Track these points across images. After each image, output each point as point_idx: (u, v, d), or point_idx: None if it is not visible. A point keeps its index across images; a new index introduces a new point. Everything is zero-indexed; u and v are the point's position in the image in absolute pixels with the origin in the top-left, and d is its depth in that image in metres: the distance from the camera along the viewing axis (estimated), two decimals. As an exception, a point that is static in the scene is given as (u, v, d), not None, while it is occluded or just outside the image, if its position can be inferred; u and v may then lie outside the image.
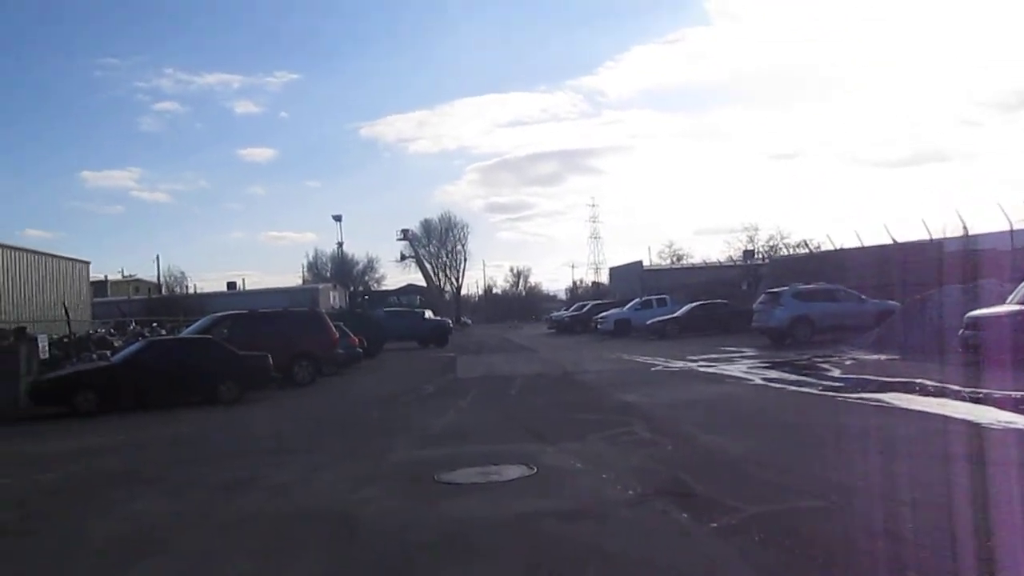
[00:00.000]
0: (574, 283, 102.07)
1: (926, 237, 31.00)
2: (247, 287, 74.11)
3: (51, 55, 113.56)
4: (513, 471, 8.34)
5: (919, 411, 11.10)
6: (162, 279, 73.30)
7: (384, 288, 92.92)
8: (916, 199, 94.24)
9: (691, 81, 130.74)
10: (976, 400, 11.60)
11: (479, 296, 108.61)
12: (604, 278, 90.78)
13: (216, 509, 7.47)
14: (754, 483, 7.29)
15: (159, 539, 6.54)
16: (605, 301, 53.89)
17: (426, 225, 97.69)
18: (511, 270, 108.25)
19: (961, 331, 17.20)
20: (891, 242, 32.27)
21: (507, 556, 5.50)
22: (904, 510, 6.05)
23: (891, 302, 25.46)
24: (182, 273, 77.70)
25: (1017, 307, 16.66)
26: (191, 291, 69.09)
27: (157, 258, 74.65)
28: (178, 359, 17.42)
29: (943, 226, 31.40)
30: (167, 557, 6.03)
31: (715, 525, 5.95)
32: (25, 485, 9.17)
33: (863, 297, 26.38)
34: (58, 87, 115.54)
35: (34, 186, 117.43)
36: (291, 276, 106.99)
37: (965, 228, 29.76)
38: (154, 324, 36.97)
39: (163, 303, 54.85)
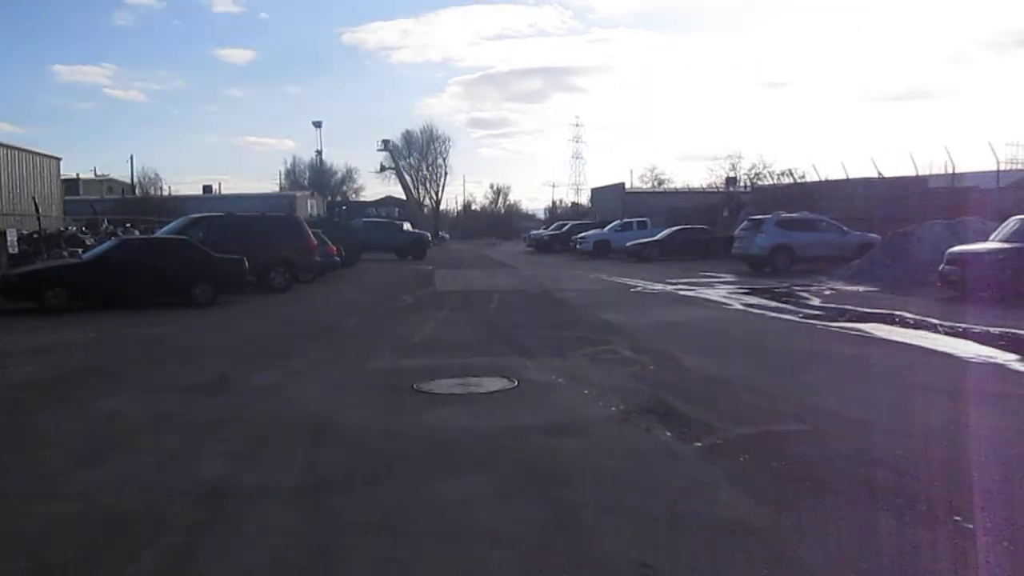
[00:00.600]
0: (554, 203, 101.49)
1: (912, 172, 30.88)
2: (223, 191, 73.00)
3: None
4: (494, 383, 8.23)
5: (900, 342, 11.10)
6: (136, 180, 71.90)
7: (363, 199, 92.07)
8: (904, 134, 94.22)
9: (682, 3, 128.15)
10: (955, 334, 11.61)
11: (458, 212, 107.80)
12: (585, 199, 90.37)
13: (189, 410, 7.28)
14: (737, 405, 7.23)
15: (129, 438, 6.36)
16: (585, 221, 53.64)
17: (407, 137, 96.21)
18: (491, 187, 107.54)
19: (942, 266, 17.18)
20: (877, 175, 32.12)
21: (491, 469, 5.38)
22: (887, 438, 6.00)
23: (872, 235, 25.45)
24: (156, 174, 76.06)
25: (999, 245, 16.64)
26: (166, 193, 67.87)
27: (131, 158, 73.38)
28: (152, 259, 17.08)
29: (930, 162, 31.35)
30: (136, 456, 5.86)
31: (699, 444, 5.88)
32: (-7, 378, 8.95)
33: (845, 228, 26.34)
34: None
35: (5, 79, 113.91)
36: (268, 182, 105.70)
37: (952, 165, 29.65)
38: (127, 224, 36.33)
39: (137, 204, 53.84)
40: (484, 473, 5.31)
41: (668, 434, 6.19)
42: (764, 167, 53.43)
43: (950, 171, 29.66)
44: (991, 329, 11.62)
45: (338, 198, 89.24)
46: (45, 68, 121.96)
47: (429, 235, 49.79)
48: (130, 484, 5.15)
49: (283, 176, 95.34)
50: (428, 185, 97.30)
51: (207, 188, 73.50)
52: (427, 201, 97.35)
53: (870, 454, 5.58)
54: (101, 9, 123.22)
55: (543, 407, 7.21)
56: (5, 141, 33.14)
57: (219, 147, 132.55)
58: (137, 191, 68.80)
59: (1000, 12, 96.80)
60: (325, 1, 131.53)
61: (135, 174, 72.44)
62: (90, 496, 4.92)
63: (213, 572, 3.89)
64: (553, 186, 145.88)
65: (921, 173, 30.85)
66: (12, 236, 19.50)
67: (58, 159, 38.06)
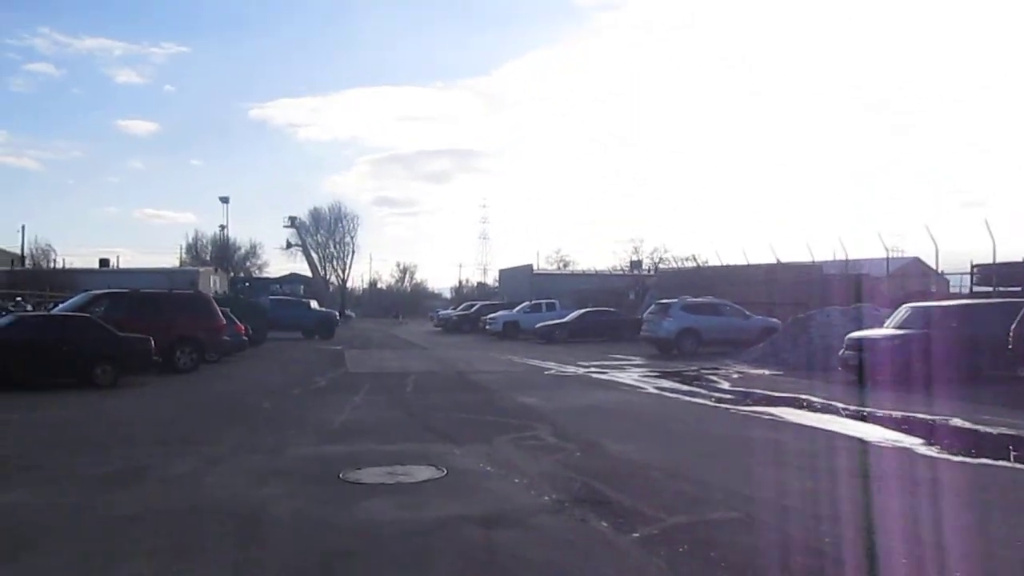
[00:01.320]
0: (460, 282, 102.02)
1: (809, 259, 32.43)
2: (121, 265, 70.60)
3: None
4: (422, 472, 8.10)
5: (810, 426, 11.51)
6: (27, 250, 68.84)
7: (267, 275, 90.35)
8: (799, 221, 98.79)
9: (583, 84, 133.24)
10: (860, 418, 12.13)
11: (364, 289, 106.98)
12: (491, 279, 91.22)
13: (99, 503, 6.89)
14: (667, 493, 7.32)
15: (37, 536, 5.96)
16: (494, 302, 53.98)
17: (315, 214, 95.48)
18: (397, 265, 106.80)
19: (842, 351, 18.01)
20: (775, 261, 33.60)
21: (431, 565, 5.27)
22: (813, 523, 6.19)
23: (774, 319, 26.51)
24: (49, 245, 73.08)
25: (893, 331, 17.59)
26: (59, 265, 65.17)
27: (22, 228, 70.30)
28: (50, 337, 16.30)
29: (830, 249, 33.08)
30: (49, 555, 5.49)
31: (636, 535, 5.91)
32: None
33: (748, 313, 27.32)
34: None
35: None
36: (167, 256, 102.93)
37: (845, 252, 31.32)
38: (18, 298, 34.64)
39: (28, 276, 51.55)
40: (426, 569, 5.19)
41: (604, 524, 6.20)
42: (666, 251, 55.35)
43: (843, 258, 31.32)
44: (893, 413, 12.23)
45: (241, 274, 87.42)
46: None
47: (337, 314, 49.12)
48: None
49: (184, 250, 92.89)
50: (335, 263, 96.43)
51: (104, 261, 70.98)
52: (333, 279, 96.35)
53: (801, 541, 5.73)
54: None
55: (475, 497, 7.13)
56: None
57: (117, 219, 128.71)
58: (28, 263, 65.85)
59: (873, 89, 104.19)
60: (232, 76, 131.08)
61: (27, 245, 69.41)
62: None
63: None
64: (460, 266, 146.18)
65: (817, 260, 32.45)
66: None
67: (-56, 229, 36.27)
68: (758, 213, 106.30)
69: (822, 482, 7.87)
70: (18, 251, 68.38)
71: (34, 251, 69.78)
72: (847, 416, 12.37)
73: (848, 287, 26.64)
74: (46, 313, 21.75)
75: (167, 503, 6.89)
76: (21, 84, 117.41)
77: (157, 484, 7.63)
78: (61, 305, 23.03)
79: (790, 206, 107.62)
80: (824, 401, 13.77)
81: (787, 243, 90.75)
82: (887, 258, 29.44)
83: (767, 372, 19.88)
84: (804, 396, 14.40)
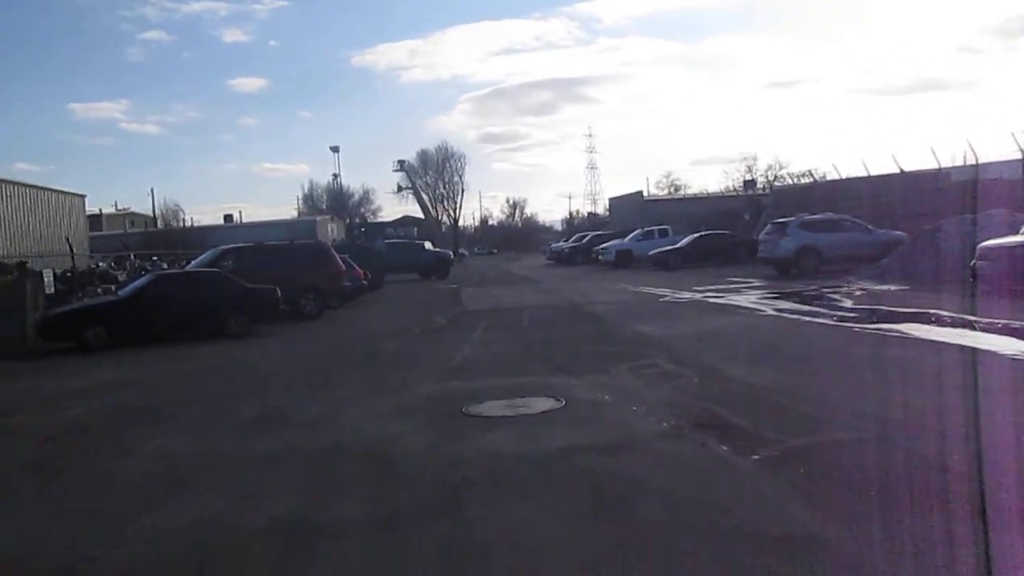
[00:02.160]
0: (571, 214, 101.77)
1: (934, 166, 30.69)
2: (243, 219, 73.68)
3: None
4: (541, 403, 8.29)
5: (939, 342, 11.05)
6: (158, 212, 72.76)
7: (380, 220, 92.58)
8: (922, 128, 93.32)
9: (688, 7, 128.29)
10: (994, 330, 11.55)
11: (476, 227, 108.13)
12: (602, 209, 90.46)
13: (245, 446, 7.40)
14: (787, 415, 7.25)
15: (189, 477, 6.46)
16: (605, 232, 53.65)
17: (423, 156, 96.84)
18: (507, 201, 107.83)
19: (973, 261, 17.09)
20: (898, 171, 31.95)
21: (555, 492, 5.44)
22: (945, 442, 5.99)
23: (898, 232, 25.34)
24: (177, 205, 77.09)
25: (1032, 237, 16.54)
26: (188, 224, 68.60)
27: (152, 191, 74.17)
28: (186, 292, 17.30)
29: (952, 155, 31.13)
30: (205, 494, 5.97)
31: (756, 458, 5.91)
32: (47, 422, 9.09)
33: (870, 227, 26.23)
34: (43, 18, 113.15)
35: (23, 119, 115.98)
36: (286, 208, 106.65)
37: (975, 156, 29.42)
38: (154, 258, 36.73)
39: (161, 236, 54.56)
40: (550, 497, 5.36)
41: (724, 448, 6.22)
42: (781, 168, 53.53)
43: (972, 163, 29.46)
44: (1031, 324, 11.58)
45: (356, 220, 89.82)
46: (61, 107, 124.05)
47: (451, 253, 49.96)
48: (200, 525, 5.24)
49: (301, 201, 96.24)
50: (445, 203, 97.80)
51: (228, 217, 74.30)
52: (445, 219, 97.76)
53: (930, 460, 5.59)
54: (113, 45, 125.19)
55: (595, 426, 7.26)
56: (29, 181, 33.71)
57: (236, 175, 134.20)
58: (159, 223, 69.63)
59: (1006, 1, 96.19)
60: (333, 26, 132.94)
61: (156, 206, 73.32)
62: (162, 539, 5.01)
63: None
64: (569, 197, 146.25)
65: (943, 166, 30.66)
66: (48, 276, 19.77)
67: (83, 196, 38.68)
68: (877, 121, 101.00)
69: (953, 399, 7.59)
70: (150, 213, 72.34)
71: (164, 212, 73.82)
72: (980, 329, 11.81)
73: (980, 193, 25.10)
74: (180, 271, 23.04)
75: (305, 444, 7.32)
76: (137, 53, 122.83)
77: (294, 426, 8.09)
78: (193, 262, 24.34)
79: (911, 110, 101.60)
80: (955, 315, 13.17)
81: (910, 150, 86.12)
82: (1022, 159, 27.47)
83: (893, 288, 19.14)
84: (933, 310, 13.80)
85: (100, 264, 31.97)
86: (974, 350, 10.20)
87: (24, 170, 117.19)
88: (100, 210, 66.77)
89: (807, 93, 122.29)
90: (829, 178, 39.53)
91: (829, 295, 18.32)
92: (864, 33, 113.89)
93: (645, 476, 5.69)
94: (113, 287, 21.92)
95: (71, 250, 25.98)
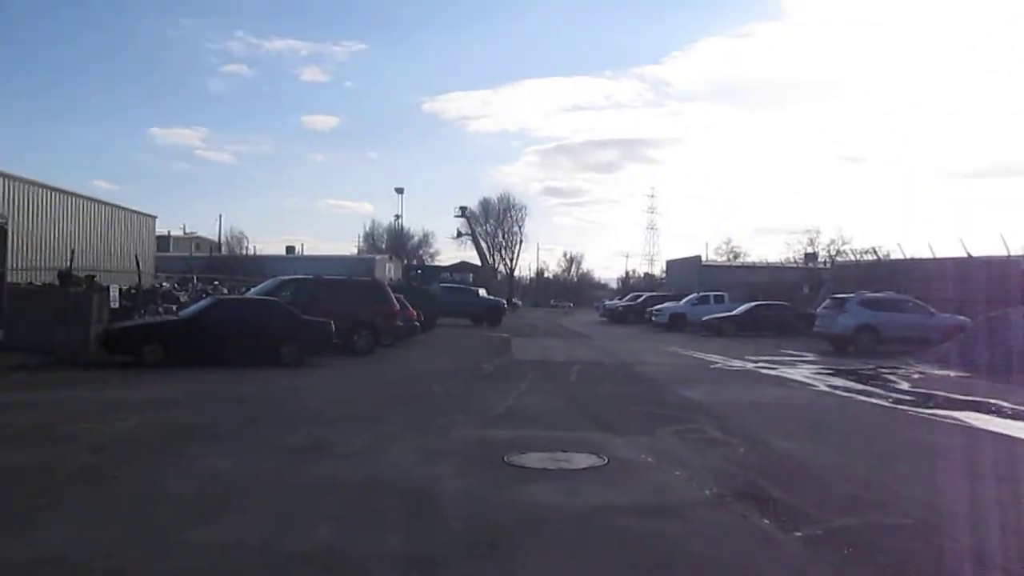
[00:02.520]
0: (627, 272, 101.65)
1: (1003, 253, 30.00)
2: (304, 252, 75.11)
3: (129, 13, 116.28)
4: (583, 460, 8.25)
5: (998, 433, 10.74)
6: (223, 238, 74.66)
7: (438, 263, 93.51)
8: (990, 213, 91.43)
9: (758, 76, 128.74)
10: (1058, 427, 11.20)
11: (531, 278, 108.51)
12: (658, 270, 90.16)
13: (290, 472, 7.51)
14: (834, 493, 7.11)
15: (234, 498, 6.59)
16: (660, 293, 53.40)
17: (484, 204, 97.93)
18: (564, 255, 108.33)
19: (1039, 353, 16.65)
20: (965, 255, 31.29)
21: (590, 550, 5.42)
22: (996, 536, 5.84)
23: (963, 317, 24.76)
24: (242, 233, 79.04)
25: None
26: (251, 252, 70.18)
27: (220, 217, 76.26)
28: (244, 318, 17.69)
29: (1022, 243, 30.39)
30: (248, 514, 6.09)
31: (799, 534, 5.80)
32: (102, 431, 9.35)
33: (932, 311, 25.69)
34: (132, 44, 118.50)
35: (105, 139, 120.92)
36: (347, 244, 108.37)
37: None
38: (216, 282, 37.61)
39: (224, 262, 55.91)
40: (586, 553, 5.34)
41: (766, 521, 6.12)
42: (844, 243, 52.83)
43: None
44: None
45: (414, 262, 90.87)
46: (143, 130, 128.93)
47: (505, 302, 50.17)
48: (241, 546, 5.33)
49: (362, 239, 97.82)
50: (503, 252, 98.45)
51: (290, 249, 75.81)
52: (501, 267, 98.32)
53: (977, 553, 5.43)
54: (196, 75, 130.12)
55: (635, 487, 7.21)
56: (105, 199, 34.93)
57: (301, 208, 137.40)
58: (223, 249, 71.37)
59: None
60: (407, 71, 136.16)
61: (222, 232, 75.25)
62: (207, 555, 5.11)
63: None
64: (626, 256, 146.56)
65: (1013, 254, 29.96)
66: (114, 292, 20.41)
67: (154, 217, 39.85)
68: (946, 203, 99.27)
69: (1007, 492, 7.38)
70: (215, 238, 74.25)
71: (229, 239, 75.75)
72: (1041, 424, 11.46)
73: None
74: (240, 297, 23.56)
75: (347, 476, 7.41)
76: (219, 84, 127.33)
77: (338, 458, 8.19)
78: (253, 289, 24.88)
79: (982, 194, 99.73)
80: (1015, 406, 12.79)
81: (979, 236, 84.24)
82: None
83: (952, 374, 18.67)
84: (993, 400, 13.43)
85: (164, 284, 32.85)
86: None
87: (101, 187, 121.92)
88: (168, 232, 68.85)
89: (874, 169, 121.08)
90: (893, 257, 38.88)
91: (885, 375, 17.94)
92: (940, 113, 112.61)
93: (683, 542, 5.62)
94: (175, 307, 22.51)
95: (138, 268, 26.77)
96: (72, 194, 30.33)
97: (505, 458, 8.21)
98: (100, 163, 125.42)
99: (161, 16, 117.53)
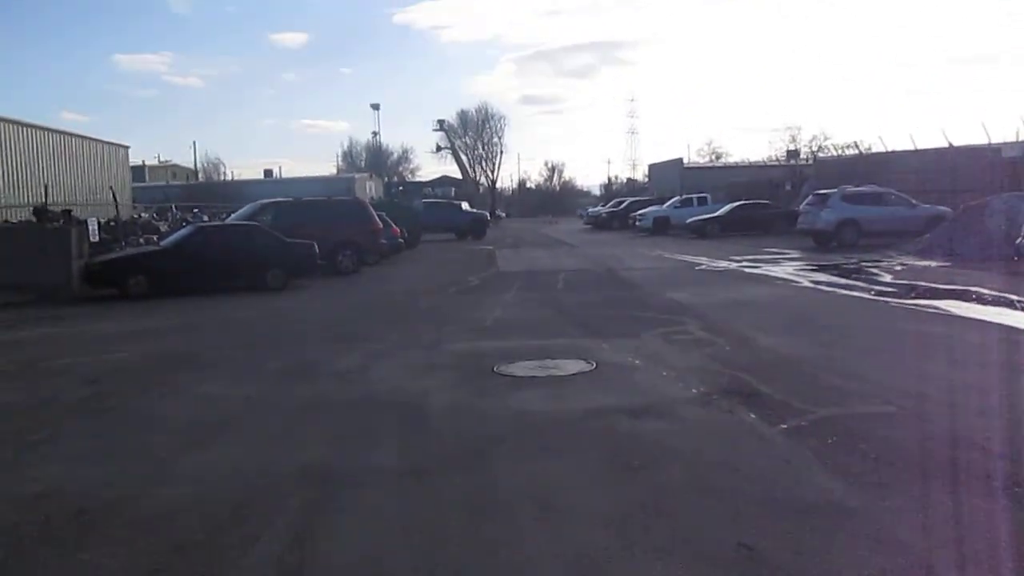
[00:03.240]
0: (609, 179, 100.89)
1: (985, 141, 29.93)
2: (283, 175, 74.26)
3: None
4: (572, 365, 8.36)
5: (978, 319, 10.91)
6: (199, 165, 73.62)
7: (418, 179, 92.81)
8: (973, 101, 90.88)
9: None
10: (1036, 310, 11.38)
11: (513, 190, 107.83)
12: (641, 175, 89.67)
13: (282, 393, 7.60)
14: (818, 386, 7.25)
15: (230, 422, 6.67)
16: (643, 198, 53.27)
17: (462, 116, 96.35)
18: (545, 164, 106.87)
19: (1019, 239, 16.80)
20: (946, 145, 31.23)
21: (582, 452, 5.53)
22: (976, 419, 6.00)
23: (943, 207, 24.87)
24: (218, 159, 78.06)
25: (1081, 216, 16.18)
26: (228, 178, 69.32)
27: (194, 144, 75.13)
28: (226, 245, 17.58)
29: (1003, 130, 30.37)
30: (243, 437, 6.17)
31: (784, 426, 5.94)
32: (92, 364, 9.38)
33: (914, 202, 25.77)
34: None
35: (69, 69, 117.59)
36: (325, 164, 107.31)
37: (1027, 132, 28.65)
38: (195, 210, 37.25)
39: (202, 189, 55.25)
40: (576, 456, 5.45)
41: (752, 416, 6.25)
42: (825, 139, 52.56)
43: (1024, 139, 28.74)
44: (1075, 304, 11.38)
45: (394, 179, 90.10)
46: (106, 58, 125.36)
47: (488, 214, 49.98)
48: (239, 468, 5.42)
49: (340, 158, 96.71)
50: (484, 164, 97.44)
51: (268, 172, 74.93)
52: (483, 180, 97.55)
53: (960, 436, 5.57)
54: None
55: (624, 389, 7.33)
56: (75, 131, 34.24)
57: (277, 131, 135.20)
58: (200, 176, 70.47)
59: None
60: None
61: (198, 160, 74.15)
62: (205, 479, 5.20)
63: (331, 550, 4.11)
64: (608, 162, 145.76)
65: (994, 142, 29.91)
66: (93, 225, 20.22)
67: (127, 148, 39.24)
68: (927, 93, 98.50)
69: (987, 376, 7.55)
70: (191, 166, 73.19)
71: (206, 166, 74.76)
72: (1020, 309, 11.63)
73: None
74: (221, 223, 23.36)
75: (337, 395, 7.49)
76: (181, 5, 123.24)
77: (328, 377, 8.27)
78: (233, 215, 24.66)
79: (963, 82, 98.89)
80: (996, 293, 12.97)
81: (960, 124, 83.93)
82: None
83: (934, 264, 18.85)
84: (974, 288, 13.60)
85: (143, 215, 32.54)
86: (1013, 328, 10.08)
87: (70, 119, 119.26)
88: (143, 161, 67.84)
89: (854, 62, 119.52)
90: (875, 150, 38.75)
91: (868, 269, 18.10)
92: (916, 5, 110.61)
93: (671, 440, 5.75)
94: (155, 237, 22.34)
95: (115, 200, 26.47)
96: (40, 127, 29.72)
97: (495, 368, 8.31)
98: (66, 94, 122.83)
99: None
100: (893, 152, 35.25)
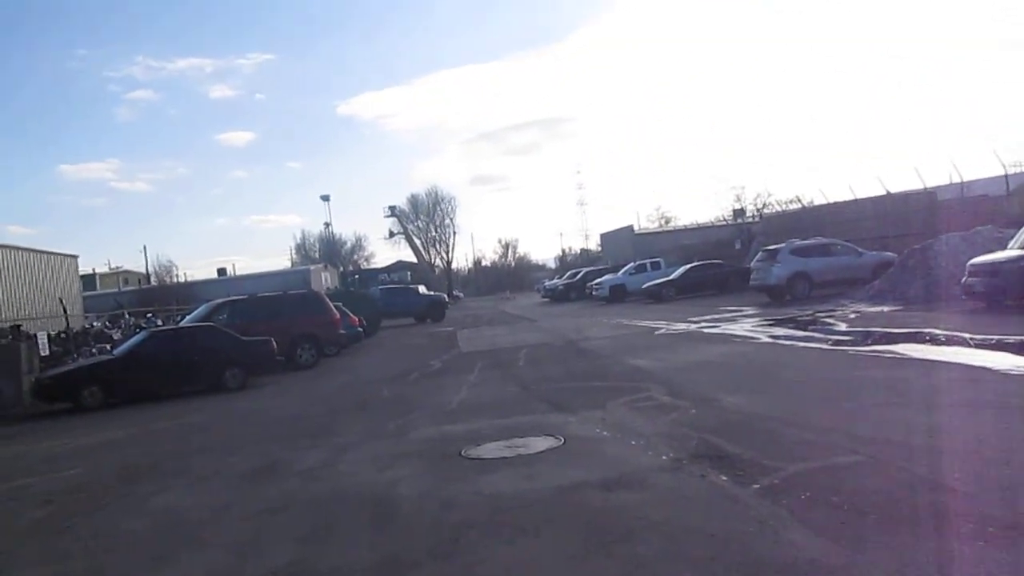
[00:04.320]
0: (563, 251, 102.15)
1: (920, 186, 30.97)
2: (237, 272, 73.71)
3: (20, 50, 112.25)
4: (540, 443, 8.28)
5: (935, 360, 11.10)
6: (151, 269, 72.84)
7: (374, 266, 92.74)
8: (908, 148, 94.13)
9: (663, 37, 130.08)
10: (989, 346, 11.60)
11: (469, 269, 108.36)
12: (594, 244, 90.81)
13: (247, 498, 7.38)
14: (786, 442, 7.26)
15: (195, 532, 6.45)
16: (598, 267, 53.81)
17: (413, 200, 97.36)
18: (499, 241, 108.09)
19: (964, 278, 17.21)
20: (884, 193, 32.22)
21: (556, 531, 5.43)
22: (944, 461, 6.03)
23: (888, 253, 25.53)
24: (170, 262, 77.32)
25: (1019, 252, 16.66)
26: (181, 280, 68.60)
27: (144, 248, 74.67)
28: (181, 348, 17.30)
29: (943, 174, 31.57)
30: (209, 549, 5.95)
31: (757, 487, 5.91)
32: (47, 483, 9.06)
33: (860, 250, 26.41)
34: (29, 82, 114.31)
35: (14, 182, 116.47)
36: (279, 259, 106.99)
37: (959, 175, 29.77)
38: (148, 315, 36.67)
39: (155, 293, 54.40)
40: (551, 535, 5.36)
41: (724, 478, 6.23)
42: (769, 195, 53.95)
43: (958, 181, 29.77)
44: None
45: (350, 267, 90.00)
46: (51, 168, 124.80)
47: (446, 296, 50.03)
48: (205, 579, 5.23)
49: (294, 251, 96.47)
50: (438, 246, 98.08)
51: (221, 271, 74.23)
52: (438, 262, 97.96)
53: (930, 480, 5.61)
54: (101, 106, 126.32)
55: (594, 463, 7.25)
56: (21, 244, 33.75)
57: (228, 229, 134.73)
58: (153, 280, 69.62)
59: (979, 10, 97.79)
60: (317, 77, 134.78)
61: (149, 264, 73.43)
62: (170, 595, 5.00)
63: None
64: (561, 234, 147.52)
65: (929, 186, 30.96)
66: (43, 338, 19.78)
67: (75, 257, 38.67)
68: (863, 145, 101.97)
69: (950, 417, 7.63)
70: (143, 270, 72.41)
71: (158, 269, 73.95)
72: (974, 346, 11.85)
73: (966, 211, 25.34)
74: (175, 327, 23.02)
75: (304, 493, 7.32)
76: (125, 113, 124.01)
77: (293, 476, 8.07)
78: (187, 317, 24.34)
79: (896, 133, 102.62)
80: (948, 333, 13.22)
81: (896, 173, 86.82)
82: (1006, 175, 27.78)
83: (886, 309, 19.22)
84: (927, 329, 13.86)
85: (95, 324, 31.91)
86: (969, 367, 10.24)
87: (16, 233, 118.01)
88: (94, 269, 66.86)
89: (794, 117, 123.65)
90: (816, 203, 39.82)
91: (823, 319, 18.36)
92: (848, 56, 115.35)
93: (645, 510, 5.68)
94: (108, 346, 21.88)
95: (65, 311, 25.97)
96: (-15, 243, 29.25)
97: (462, 452, 8.20)
98: (11, 207, 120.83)
99: (56, 49, 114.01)
100: (834, 203, 36.27)
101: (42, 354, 19.00)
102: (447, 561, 5.08)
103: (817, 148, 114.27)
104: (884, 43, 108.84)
